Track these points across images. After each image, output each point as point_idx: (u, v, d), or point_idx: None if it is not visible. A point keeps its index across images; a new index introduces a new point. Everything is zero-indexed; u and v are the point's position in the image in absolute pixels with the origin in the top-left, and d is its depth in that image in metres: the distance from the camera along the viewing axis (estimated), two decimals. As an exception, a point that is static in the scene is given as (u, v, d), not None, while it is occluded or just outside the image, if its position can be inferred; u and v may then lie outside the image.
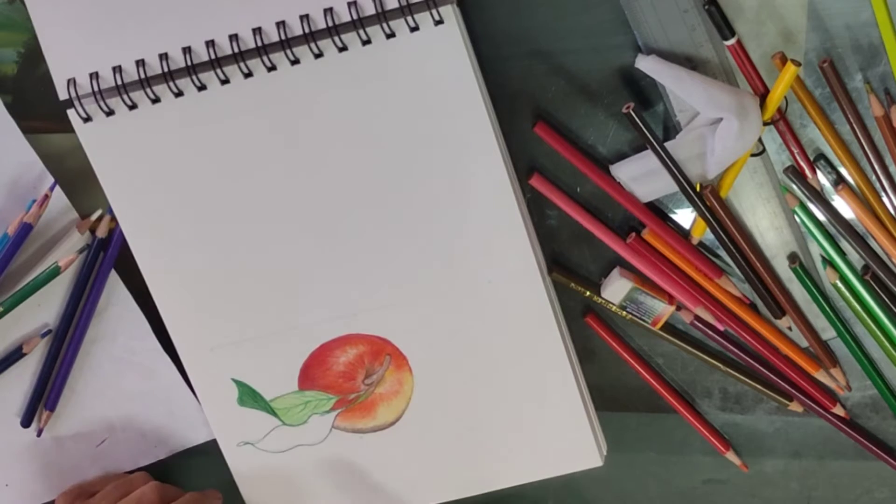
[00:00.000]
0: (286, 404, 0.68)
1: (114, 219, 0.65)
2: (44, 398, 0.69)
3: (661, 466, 0.70)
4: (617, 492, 0.71)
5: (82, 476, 0.71)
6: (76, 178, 0.65)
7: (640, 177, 0.61)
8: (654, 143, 0.59)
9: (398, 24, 0.59)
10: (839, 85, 0.59)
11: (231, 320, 0.66)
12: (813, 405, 0.66)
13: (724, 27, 0.58)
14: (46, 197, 0.65)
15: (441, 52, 0.59)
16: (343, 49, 0.60)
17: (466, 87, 0.60)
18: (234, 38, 0.60)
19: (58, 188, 0.65)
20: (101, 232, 0.66)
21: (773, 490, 0.70)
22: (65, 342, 0.68)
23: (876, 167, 0.60)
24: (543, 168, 0.64)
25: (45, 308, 0.67)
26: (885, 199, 0.61)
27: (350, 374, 0.67)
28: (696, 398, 0.68)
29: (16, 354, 0.68)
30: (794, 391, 0.66)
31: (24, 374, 0.69)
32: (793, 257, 0.63)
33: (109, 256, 0.66)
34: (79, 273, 0.67)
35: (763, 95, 0.59)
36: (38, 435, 0.69)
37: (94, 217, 0.66)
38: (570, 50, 0.61)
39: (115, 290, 0.68)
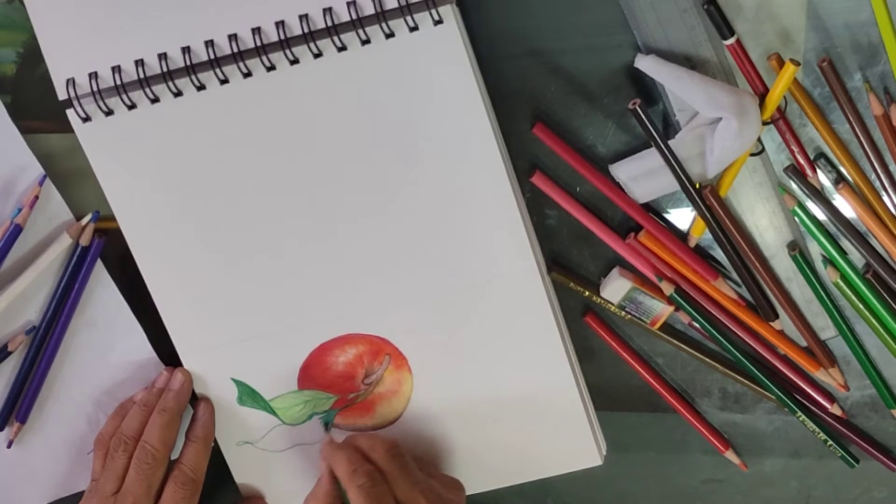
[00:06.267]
0: (286, 404, 0.68)
1: (99, 225, 0.65)
2: (15, 410, 0.69)
3: (660, 466, 0.70)
4: (617, 491, 0.71)
5: (73, 482, 0.71)
6: (75, 179, 0.65)
7: (640, 176, 0.61)
8: (658, 140, 0.59)
9: (397, 24, 0.59)
10: (838, 84, 0.59)
11: (231, 320, 0.66)
12: (811, 405, 0.66)
13: (724, 27, 0.58)
14: (36, 198, 0.65)
15: (440, 52, 0.59)
16: (342, 49, 0.60)
17: (466, 86, 0.60)
18: (233, 37, 0.60)
19: (54, 189, 0.65)
20: (84, 240, 0.66)
21: (773, 489, 0.70)
22: (40, 352, 0.67)
23: (876, 166, 0.60)
24: (543, 168, 0.64)
25: (30, 311, 0.67)
26: (885, 197, 0.61)
27: (349, 374, 0.67)
28: (695, 398, 0.68)
29: (1, 353, 0.67)
30: (792, 391, 0.66)
31: (12, 376, 0.69)
32: (793, 245, 0.63)
33: (89, 263, 0.66)
34: (60, 280, 0.66)
35: (762, 95, 0.59)
36: (9, 447, 0.69)
37: (84, 222, 0.66)
38: (569, 50, 0.61)
39: (112, 300, 0.67)
